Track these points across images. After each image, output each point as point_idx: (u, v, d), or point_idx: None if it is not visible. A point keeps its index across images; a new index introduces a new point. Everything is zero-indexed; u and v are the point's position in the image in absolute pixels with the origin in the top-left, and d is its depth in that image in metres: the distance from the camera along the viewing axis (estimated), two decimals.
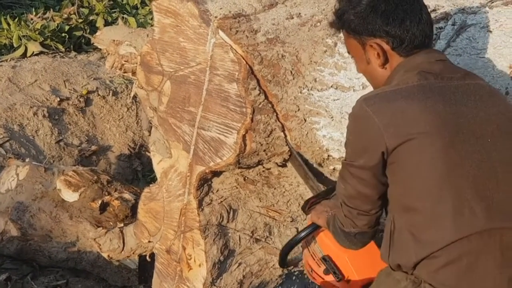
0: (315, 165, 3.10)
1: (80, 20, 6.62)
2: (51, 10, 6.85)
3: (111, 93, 5.68)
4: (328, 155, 2.96)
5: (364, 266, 2.57)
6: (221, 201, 3.30)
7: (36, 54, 6.09)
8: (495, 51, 2.63)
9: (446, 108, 2.12)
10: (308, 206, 2.76)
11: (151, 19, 3.30)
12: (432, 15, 2.83)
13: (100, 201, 4.18)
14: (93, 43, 4.17)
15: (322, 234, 2.67)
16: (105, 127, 5.58)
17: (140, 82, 3.41)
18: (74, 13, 6.70)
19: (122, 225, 3.89)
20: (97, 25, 6.70)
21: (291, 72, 2.97)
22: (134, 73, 3.60)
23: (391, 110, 2.12)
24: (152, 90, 3.35)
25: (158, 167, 3.46)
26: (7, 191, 4.38)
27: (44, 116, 5.28)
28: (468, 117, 2.13)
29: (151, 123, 3.64)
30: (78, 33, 6.53)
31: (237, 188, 3.32)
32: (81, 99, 5.55)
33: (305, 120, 2.95)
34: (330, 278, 2.62)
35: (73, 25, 6.55)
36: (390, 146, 2.10)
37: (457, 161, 2.08)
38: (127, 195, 4.26)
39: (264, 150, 3.04)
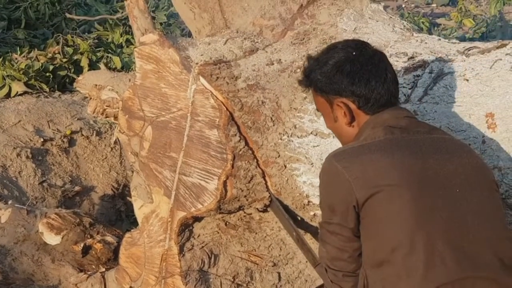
0: (297, 211, 3.11)
1: (64, 60, 6.61)
2: (36, 49, 6.85)
3: (94, 133, 5.68)
4: (309, 201, 2.97)
5: None
6: (203, 246, 3.30)
7: (20, 94, 6.08)
8: (471, 100, 2.66)
9: (414, 161, 2.15)
10: None
11: (135, 60, 3.32)
12: (410, 62, 2.88)
13: (82, 244, 4.16)
14: (75, 87, 4.19)
15: None
16: (88, 167, 5.57)
17: (121, 127, 3.42)
18: (59, 52, 6.70)
19: (104, 269, 3.88)
20: (82, 64, 6.70)
21: (271, 118, 3.00)
22: (116, 117, 3.61)
23: (361, 165, 2.16)
24: (134, 135, 3.36)
25: (139, 212, 3.46)
26: None
27: (27, 157, 5.26)
28: (436, 169, 2.16)
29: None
30: (63, 73, 6.52)
31: (218, 233, 3.33)
32: (65, 140, 5.54)
33: (285, 167, 2.97)
34: None
35: (57, 65, 6.54)
36: (360, 200, 2.14)
37: (426, 213, 2.11)
38: (109, 238, 4.24)
39: (245, 196, 3.05)
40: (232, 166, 2.97)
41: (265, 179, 3.03)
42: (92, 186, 5.49)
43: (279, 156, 2.97)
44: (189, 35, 5.13)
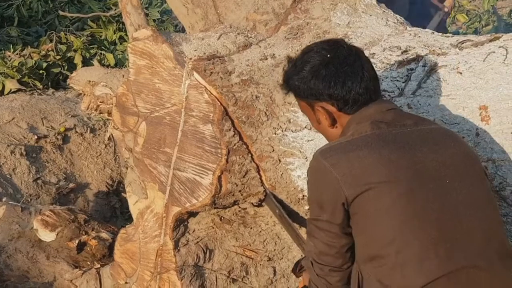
0: (291, 206, 3.12)
1: (58, 57, 6.60)
2: (29, 46, 6.84)
3: (89, 130, 5.67)
4: (303, 195, 2.98)
5: None
6: (198, 242, 3.30)
7: (14, 92, 6.07)
8: (465, 93, 2.67)
9: (402, 156, 2.16)
10: (298, 268, 2.76)
11: (128, 56, 3.32)
12: (403, 56, 2.88)
13: (77, 241, 4.15)
14: (69, 84, 4.18)
15: None
16: (83, 164, 5.56)
17: (115, 123, 3.42)
18: (52, 50, 6.69)
19: (99, 265, 3.87)
20: (75, 61, 6.69)
21: (266, 113, 3.00)
22: (109, 113, 3.61)
23: (348, 161, 2.17)
24: (128, 131, 3.36)
25: (134, 208, 3.46)
26: None
27: (21, 154, 5.25)
28: (425, 162, 2.17)
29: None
30: (56, 70, 6.51)
31: (213, 228, 3.33)
32: (59, 137, 5.53)
33: (279, 161, 2.97)
34: None
35: (51, 62, 6.53)
36: (349, 197, 2.14)
37: (417, 207, 2.12)
38: (104, 234, 4.24)
39: (240, 191, 3.05)
40: (227, 161, 2.97)
41: (259, 174, 3.03)
42: (87, 183, 5.48)
43: (273, 150, 2.97)
44: (183, 31, 5.14)
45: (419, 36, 3.08)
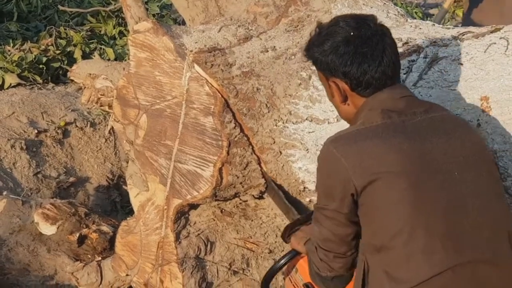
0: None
1: (57, 52, 6.60)
2: (29, 41, 6.84)
3: (89, 125, 5.66)
4: (304, 187, 2.98)
5: None
6: (199, 234, 3.30)
7: (14, 86, 6.06)
8: (466, 84, 2.67)
9: (412, 146, 2.14)
10: (287, 234, 2.76)
11: (129, 50, 3.32)
12: (404, 48, 2.88)
13: (78, 234, 4.15)
14: (69, 77, 4.20)
15: (302, 261, 2.64)
16: (83, 158, 5.56)
17: (116, 115, 3.42)
18: (52, 44, 6.69)
19: (100, 258, 3.88)
20: (75, 56, 6.69)
21: (266, 105, 3.00)
22: (110, 106, 3.61)
23: (358, 151, 2.15)
24: (129, 124, 3.36)
25: (135, 201, 3.47)
26: None
27: (21, 148, 5.25)
28: (434, 153, 2.15)
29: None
30: (56, 65, 6.51)
31: (214, 220, 3.33)
32: (59, 131, 5.53)
33: (280, 153, 2.97)
34: None
35: (50, 57, 6.53)
36: (358, 187, 2.13)
37: (425, 198, 2.10)
38: (105, 228, 4.24)
39: (241, 183, 3.05)
40: (228, 153, 2.97)
41: (260, 166, 3.03)
42: (87, 177, 5.49)
43: (274, 142, 2.97)
44: (183, 25, 5.13)
45: (420, 28, 3.08)
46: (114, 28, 7.46)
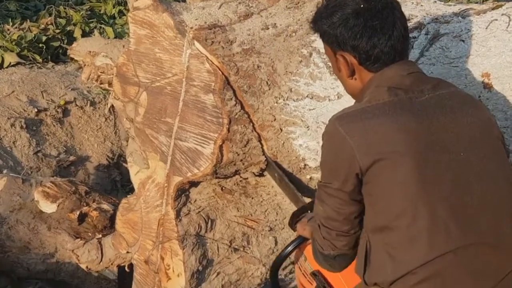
0: (293, 175, 3.12)
1: (57, 31, 6.58)
2: (28, 20, 6.81)
3: (89, 104, 5.65)
4: (305, 165, 2.98)
5: (354, 279, 2.46)
6: (199, 211, 3.30)
7: (13, 65, 6.05)
8: (467, 60, 2.66)
9: (418, 126, 2.12)
10: (294, 221, 2.75)
11: (128, 29, 3.30)
12: None
13: (78, 212, 4.16)
14: (69, 54, 4.17)
15: (310, 249, 2.59)
16: (83, 137, 5.56)
17: (116, 93, 3.41)
18: (51, 24, 6.67)
19: (100, 236, 3.88)
20: (75, 35, 6.67)
21: (267, 82, 2.99)
22: (110, 84, 3.60)
23: (364, 129, 2.12)
24: (129, 101, 3.35)
25: (135, 178, 3.46)
26: None
27: (21, 127, 5.24)
28: (441, 133, 2.13)
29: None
30: (56, 44, 6.49)
31: (214, 198, 3.33)
32: (59, 110, 5.52)
33: (281, 130, 2.97)
34: None
35: (50, 36, 6.51)
36: (363, 166, 2.11)
37: (430, 179, 2.09)
38: (105, 206, 4.24)
39: (241, 160, 3.05)
40: (228, 130, 2.97)
41: (261, 143, 3.03)
42: (87, 156, 5.49)
43: (275, 119, 2.97)
44: (183, 2, 5.11)
45: (422, 5, 3.06)
46: (113, 7, 7.45)
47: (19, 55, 6.14)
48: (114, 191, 5.37)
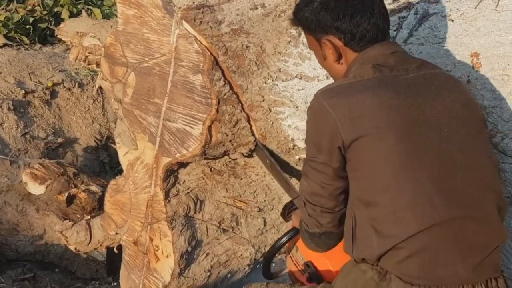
0: (282, 156, 3.11)
1: (44, 12, 6.55)
2: (15, 2, 6.77)
3: (76, 85, 5.62)
4: (294, 145, 2.97)
5: None
6: (188, 192, 3.30)
7: (0, 47, 6.01)
8: (456, 40, 2.65)
9: (402, 102, 2.13)
10: (287, 212, 2.75)
11: (116, 10, 3.29)
12: (395, 4, 2.86)
13: (66, 194, 4.16)
14: (57, 35, 4.15)
15: None
16: (71, 119, 5.54)
17: (104, 74, 3.40)
18: (39, 5, 6.63)
19: (89, 217, 3.88)
20: (62, 16, 6.63)
21: (256, 62, 2.98)
22: (98, 64, 3.59)
23: (348, 104, 2.13)
24: (117, 82, 3.34)
25: (124, 159, 3.45)
26: None
27: (9, 109, 5.22)
28: (424, 108, 2.14)
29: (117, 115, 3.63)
30: (43, 25, 6.46)
31: (203, 179, 3.33)
32: (47, 92, 5.49)
33: (270, 110, 2.96)
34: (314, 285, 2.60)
35: (37, 17, 6.48)
36: (346, 141, 2.12)
37: (414, 154, 2.10)
38: (94, 188, 4.24)
39: (230, 141, 3.04)
40: (217, 111, 2.96)
41: (250, 124, 3.02)
42: (75, 138, 5.47)
43: (263, 100, 2.96)
44: None
45: None
46: None
47: (6, 36, 6.11)
48: (103, 173, 5.36)
